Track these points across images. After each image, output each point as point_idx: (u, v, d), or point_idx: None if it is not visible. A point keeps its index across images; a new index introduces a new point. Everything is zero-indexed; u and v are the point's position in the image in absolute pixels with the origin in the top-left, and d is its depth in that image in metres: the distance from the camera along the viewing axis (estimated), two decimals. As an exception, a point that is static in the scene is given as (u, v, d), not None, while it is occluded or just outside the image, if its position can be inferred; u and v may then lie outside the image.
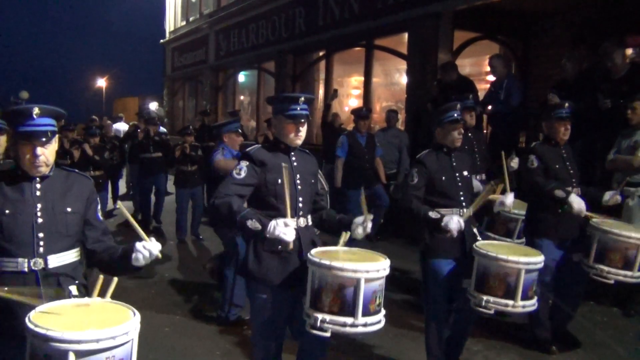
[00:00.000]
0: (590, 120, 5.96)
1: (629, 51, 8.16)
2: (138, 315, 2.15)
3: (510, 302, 3.42)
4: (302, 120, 3.12)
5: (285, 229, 2.81)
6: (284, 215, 3.00)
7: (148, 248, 2.46)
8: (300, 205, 3.15)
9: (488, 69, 8.34)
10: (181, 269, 7.09)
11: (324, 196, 3.49)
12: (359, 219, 3.12)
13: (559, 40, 8.59)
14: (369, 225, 3.10)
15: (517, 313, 3.54)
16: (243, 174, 3.06)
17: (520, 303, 3.41)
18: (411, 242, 7.83)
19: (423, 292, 3.99)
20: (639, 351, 4.65)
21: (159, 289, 6.21)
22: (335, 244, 3.12)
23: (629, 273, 3.96)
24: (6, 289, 2.30)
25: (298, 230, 3.05)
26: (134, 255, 2.44)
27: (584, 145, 6.15)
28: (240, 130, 5.93)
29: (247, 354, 4.51)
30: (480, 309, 3.51)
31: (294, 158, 3.21)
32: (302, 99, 3.12)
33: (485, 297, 3.46)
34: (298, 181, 3.17)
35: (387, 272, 2.84)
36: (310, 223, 3.25)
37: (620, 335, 4.91)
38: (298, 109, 3.09)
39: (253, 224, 2.84)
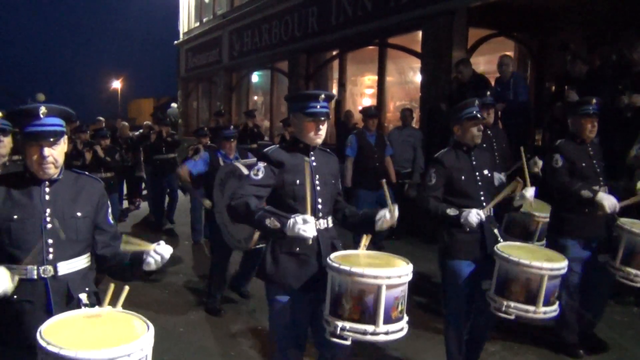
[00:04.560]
0: (607, 116, 5.85)
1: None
2: (152, 329, 2.08)
3: (532, 308, 3.32)
4: (322, 119, 3.02)
5: (304, 225, 2.71)
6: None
7: (160, 252, 2.41)
8: (320, 206, 3.07)
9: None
10: (195, 270, 7.09)
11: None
12: (382, 211, 3.03)
13: (575, 36, 8.47)
14: (395, 215, 3.00)
15: (538, 319, 3.43)
16: (261, 175, 2.99)
17: (542, 309, 3.32)
18: (426, 242, 7.77)
19: (442, 293, 3.91)
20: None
21: (173, 290, 6.22)
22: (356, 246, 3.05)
23: None
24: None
25: (317, 231, 3.00)
26: (145, 259, 2.40)
27: (603, 143, 6.04)
28: (233, 137, 6.10)
29: (263, 354, 4.50)
30: (501, 314, 3.42)
31: (313, 158, 3.12)
32: (323, 96, 3.02)
33: (505, 302, 3.37)
34: (317, 182, 3.08)
35: (409, 277, 2.75)
36: (330, 225, 3.15)
37: (641, 336, 4.82)
38: (318, 106, 3.00)
39: (272, 222, 2.77)
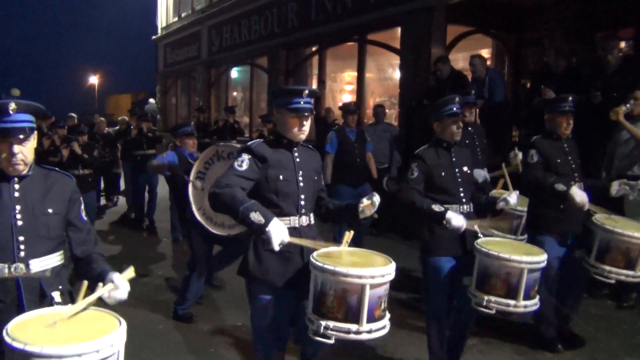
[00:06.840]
0: (583, 115, 5.94)
1: (622, 44, 8.18)
2: (124, 325, 2.02)
3: (512, 302, 3.36)
4: (306, 114, 2.99)
5: (279, 236, 2.65)
6: (285, 214, 2.95)
7: (113, 296, 2.31)
8: (303, 203, 3.04)
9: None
10: (175, 267, 7.04)
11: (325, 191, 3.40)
12: (365, 199, 3.02)
13: (552, 33, 8.58)
14: (376, 199, 3.00)
15: (519, 313, 3.47)
16: (245, 166, 2.92)
17: (522, 303, 3.36)
18: (405, 237, 7.83)
19: (423, 290, 3.92)
20: (632, 345, 4.64)
21: (153, 287, 6.17)
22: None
23: (630, 273, 3.90)
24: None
25: (300, 229, 2.98)
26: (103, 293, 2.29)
27: (578, 140, 6.14)
28: (195, 133, 6.22)
29: (241, 352, 4.49)
30: (482, 309, 3.45)
31: (296, 154, 3.09)
32: (307, 92, 2.99)
33: (486, 297, 3.40)
34: (300, 178, 3.05)
35: (392, 276, 2.73)
36: (312, 222, 3.12)
37: (614, 329, 4.90)
38: (302, 102, 2.96)
39: (257, 216, 2.67)
